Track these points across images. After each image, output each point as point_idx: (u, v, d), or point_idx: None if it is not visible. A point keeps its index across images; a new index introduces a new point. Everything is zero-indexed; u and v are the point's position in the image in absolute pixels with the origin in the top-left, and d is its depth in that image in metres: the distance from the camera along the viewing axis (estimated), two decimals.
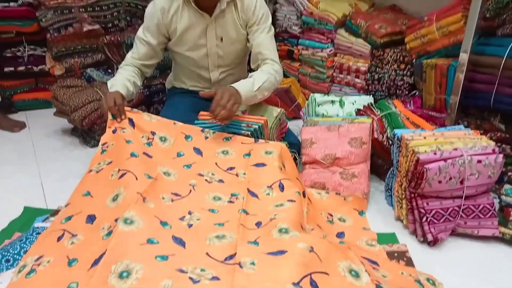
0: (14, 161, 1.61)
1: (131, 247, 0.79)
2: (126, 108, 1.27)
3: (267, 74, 1.37)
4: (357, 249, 0.99)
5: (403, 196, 1.20)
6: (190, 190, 1.08)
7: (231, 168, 1.20)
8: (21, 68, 2.13)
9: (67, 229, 0.91)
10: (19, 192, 1.38)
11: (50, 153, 1.69)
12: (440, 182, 1.09)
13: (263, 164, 1.17)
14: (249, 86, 1.31)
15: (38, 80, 2.24)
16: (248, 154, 1.22)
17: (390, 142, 1.37)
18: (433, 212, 1.12)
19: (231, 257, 0.79)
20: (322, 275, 0.73)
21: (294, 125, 1.77)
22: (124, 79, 1.38)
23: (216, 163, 1.21)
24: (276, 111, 1.50)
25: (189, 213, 0.99)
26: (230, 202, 1.08)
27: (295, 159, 1.38)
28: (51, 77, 2.22)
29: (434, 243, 1.12)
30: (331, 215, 1.22)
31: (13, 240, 1.05)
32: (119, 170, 1.04)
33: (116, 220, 0.87)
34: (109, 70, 2.24)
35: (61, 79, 2.14)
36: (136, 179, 1.01)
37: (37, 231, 1.03)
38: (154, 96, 2.08)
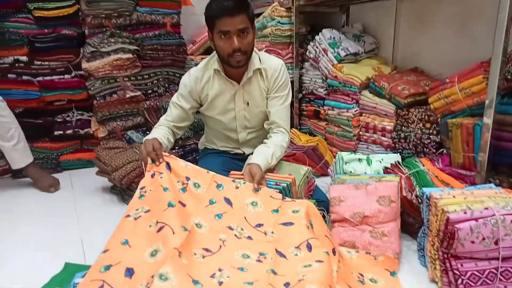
0: (56, 217, 1.72)
1: None
2: (164, 153, 1.37)
3: (281, 148, 1.54)
4: None
5: (436, 256, 1.17)
6: (220, 246, 1.13)
7: (260, 225, 1.23)
8: (69, 131, 2.34)
9: (106, 281, 0.94)
10: (60, 248, 1.46)
11: (90, 210, 1.79)
12: (473, 242, 1.07)
13: (290, 223, 1.20)
14: (268, 160, 1.46)
15: (83, 142, 2.44)
16: (276, 211, 1.26)
17: (420, 201, 1.37)
18: (469, 274, 1.09)
19: None
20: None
21: (322, 182, 1.81)
22: (159, 135, 1.52)
23: (245, 218, 1.25)
24: (303, 169, 1.56)
25: (219, 270, 1.03)
26: (259, 261, 1.10)
27: (323, 217, 1.40)
28: (94, 139, 2.41)
29: None
30: (362, 275, 1.21)
31: None
32: (157, 222, 1.11)
33: (152, 276, 0.92)
34: (147, 132, 2.40)
35: (104, 141, 2.33)
36: (173, 233, 1.07)
37: (75, 287, 1.08)
38: (188, 155, 2.20)
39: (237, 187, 1.33)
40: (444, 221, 1.11)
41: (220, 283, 0.98)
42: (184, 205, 1.22)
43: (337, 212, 1.39)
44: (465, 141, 1.51)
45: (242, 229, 1.21)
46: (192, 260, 1.04)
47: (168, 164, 1.34)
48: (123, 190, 1.87)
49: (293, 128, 2.43)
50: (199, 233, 1.16)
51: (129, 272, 0.97)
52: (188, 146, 2.23)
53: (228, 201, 1.29)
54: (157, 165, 1.32)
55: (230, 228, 1.21)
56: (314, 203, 1.32)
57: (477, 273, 1.08)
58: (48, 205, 1.86)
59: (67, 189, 2.07)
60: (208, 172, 1.38)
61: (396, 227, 1.33)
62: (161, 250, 1.02)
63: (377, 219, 1.33)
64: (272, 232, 1.20)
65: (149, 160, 1.34)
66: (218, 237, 1.16)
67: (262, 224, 1.24)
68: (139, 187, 1.27)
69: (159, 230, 1.08)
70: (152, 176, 1.29)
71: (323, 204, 1.45)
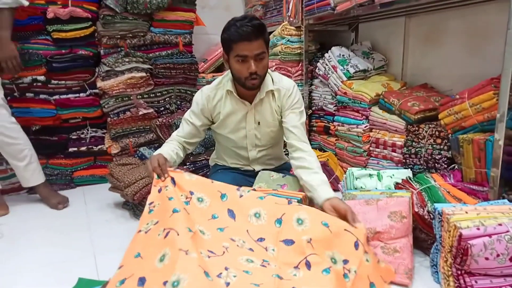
0: (70, 232, 1.74)
1: None
2: (169, 168, 1.40)
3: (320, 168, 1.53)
4: None
5: (450, 272, 1.16)
6: (224, 252, 1.16)
7: (261, 239, 1.24)
8: (83, 148, 2.39)
9: None
10: (73, 263, 1.47)
11: (103, 225, 1.81)
12: (487, 259, 1.06)
13: (291, 242, 1.20)
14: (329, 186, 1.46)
15: (96, 158, 2.48)
16: (280, 221, 1.25)
17: (432, 216, 1.36)
18: None
19: None
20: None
21: None
22: (168, 149, 1.55)
23: (247, 231, 1.26)
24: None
25: (226, 268, 1.06)
26: (263, 266, 1.13)
27: None
28: (108, 155, 2.46)
29: None
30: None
31: None
32: (164, 229, 1.13)
33: (164, 284, 0.94)
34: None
35: (117, 157, 2.37)
36: (178, 234, 1.09)
37: None
38: (199, 171, 2.23)
39: (241, 196, 1.35)
40: (457, 237, 1.10)
41: (228, 284, 1.00)
42: (188, 213, 1.25)
43: None
44: (477, 157, 1.50)
45: (243, 242, 1.23)
46: (200, 256, 1.05)
47: (173, 179, 1.37)
48: (135, 205, 1.90)
49: None
50: (202, 238, 1.19)
51: (141, 281, 1.00)
52: (199, 162, 2.26)
53: (231, 213, 1.31)
54: (162, 180, 1.36)
55: (232, 239, 1.23)
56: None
57: None
58: (61, 221, 1.89)
59: (80, 205, 2.10)
60: (212, 182, 1.41)
61: (408, 242, 1.32)
62: (168, 253, 1.04)
63: (388, 234, 1.32)
64: (273, 250, 1.21)
65: (155, 175, 1.37)
66: (221, 244, 1.19)
67: (264, 239, 1.24)
68: (147, 202, 1.30)
69: (166, 236, 1.10)
70: (159, 191, 1.33)
71: None
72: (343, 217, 1.26)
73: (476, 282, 1.08)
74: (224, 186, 1.39)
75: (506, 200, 1.26)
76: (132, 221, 1.85)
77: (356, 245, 1.16)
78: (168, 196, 1.28)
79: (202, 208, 1.32)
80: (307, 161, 1.50)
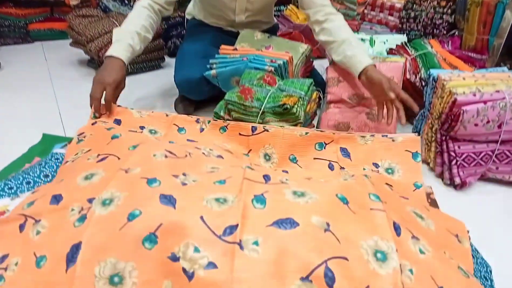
0: (32, 90, 1.59)
1: (112, 238, 0.60)
2: (114, 106, 1.12)
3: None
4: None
5: (433, 138, 1.14)
6: (186, 155, 0.86)
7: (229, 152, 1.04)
8: None
9: (28, 214, 0.71)
10: (37, 120, 1.37)
11: (67, 83, 1.66)
12: (476, 125, 1.02)
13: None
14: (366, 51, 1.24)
15: (53, 10, 2.17)
16: (247, 155, 1.04)
17: (423, 84, 1.28)
18: (464, 155, 1.06)
19: (231, 230, 0.59)
20: (340, 260, 0.56)
21: (318, 65, 1.68)
22: (133, 33, 1.22)
23: (214, 143, 1.06)
24: (302, 47, 1.42)
25: (184, 174, 0.76)
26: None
27: (319, 98, 1.32)
28: (66, 7, 2.15)
29: (461, 186, 1.07)
30: (377, 166, 1.02)
31: (33, 164, 1.05)
32: (98, 155, 0.85)
33: (89, 201, 0.67)
34: (126, 1, 2.14)
35: (77, 9, 2.06)
36: (119, 158, 0.82)
37: (56, 157, 1.02)
38: (173, 29, 1.99)
39: (202, 129, 1.10)
40: (450, 103, 1.04)
41: (184, 184, 0.71)
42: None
43: (334, 92, 1.30)
44: (483, 22, 1.36)
45: (210, 149, 0.99)
46: (148, 162, 0.77)
47: (118, 120, 1.10)
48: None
49: (290, 4, 2.19)
50: (157, 140, 0.95)
51: (56, 198, 0.73)
52: (172, 19, 2.01)
53: (191, 141, 1.07)
54: (99, 116, 1.08)
55: (197, 147, 0.99)
56: (311, 83, 1.21)
57: (473, 155, 1.06)
58: (21, 77, 1.71)
59: (41, 61, 1.90)
60: (167, 115, 1.15)
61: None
62: (101, 174, 0.77)
63: None
64: (248, 155, 1.04)
65: (92, 112, 1.09)
66: (183, 148, 0.90)
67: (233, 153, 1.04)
68: (76, 133, 1.04)
69: (100, 161, 0.83)
70: (94, 124, 1.07)
71: (320, 86, 1.35)
72: (380, 90, 1.10)
73: (459, 147, 1.06)
74: (181, 118, 1.14)
75: (505, 68, 1.18)
76: None
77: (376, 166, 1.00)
78: (107, 127, 1.02)
79: (155, 138, 1.07)
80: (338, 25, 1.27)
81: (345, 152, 1.05)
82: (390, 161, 1.01)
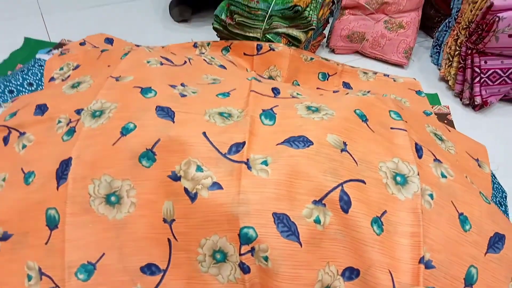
0: None
1: (105, 154, 0.54)
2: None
3: None
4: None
5: (456, 52, 1.03)
6: (185, 61, 0.78)
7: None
8: None
9: (11, 126, 0.64)
10: (19, 24, 1.22)
11: None
12: (510, 36, 0.90)
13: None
14: None
15: None
16: (256, 78, 0.83)
17: None
18: (490, 72, 0.97)
19: (238, 147, 0.53)
20: (357, 183, 0.52)
21: None
22: None
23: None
24: None
25: (182, 84, 0.68)
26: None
27: (333, 2, 1.17)
28: None
29: (481, 106, 1.00)
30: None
31: (15, 71, 0.95)
32: (91, 76, 0.72)
33: (78, 112, 0.60)
34: None
35: None
36: (109, 66, 0.72)
37: (39, 63, 0.93)
38: None
39: (202, 54, 0.93)
40: (484, 8, 0.91)
41: (183, 95, 0.64)
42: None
43: None
44: None
45: (212, 58, 0.90)
46: (141, 70, 0.69)
47: (110, 39, 0.98)
48: None
49: None
50: (151, 51, 0.80)
51: (41, 109, 0.66)
52: None
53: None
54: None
55: (198, 55, 0.89)
56: None
57: (499, 71, 0.97)
58: None
59: None
60: (163, 47, 1.00)
61: (417, 17, 1.13)
62: (88, 81, 0.69)
63: (397, 6, 1.11)
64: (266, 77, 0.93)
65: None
66: (182, 54, 0.83)
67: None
68: (59, 48, 0.90)
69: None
70: (82, 44, 0.93)
71: None
72: None
73: (485, 62, 0.96)
74: (178, 47, 1.01)
75: None
76: None
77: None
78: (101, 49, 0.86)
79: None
80: None
81: (347, 87, 1.00)
82: (395, 95, 0.97)
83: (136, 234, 0.51)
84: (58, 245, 0.51)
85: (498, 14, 0.88)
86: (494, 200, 0.72)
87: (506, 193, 0.76)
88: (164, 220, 0.51)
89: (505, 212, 0.72)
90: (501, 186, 0.77)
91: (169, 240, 0.51)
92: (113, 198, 0.52)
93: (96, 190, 0.52)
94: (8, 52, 1.06)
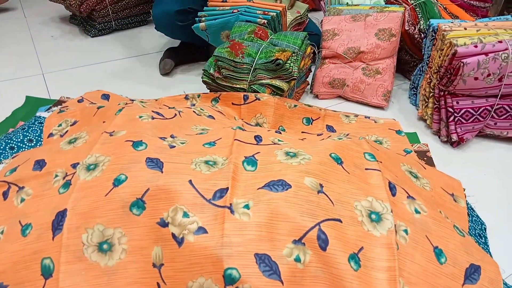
0: (12, 50, 1.51)
1: (99, 204, 0.58)
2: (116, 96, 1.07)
3: None
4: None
5: (431, 94, 1.10)
6: (175, 114, 0.83)
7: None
8: None
9: (11, 181, 0.68)
10: (20, 82, 1.30)
11: (49, 42, 1.57)
12: (476, 79, 0.98)
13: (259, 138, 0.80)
14: None
15: None
16: (241, 128, 0.87)
17: (423, 35, 1.22)
18: (463, 111, 1.03)
19: (221, 193, 0.57)
20: (334, 222, 0.55)
21: (313, 18, 1.60)
22: None
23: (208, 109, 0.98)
24: (302, 7, 1.34)
25: (172, 136, 0.73)
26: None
27: (314, 53, 1.26)
28: None
29: (458, 143, 1.05)
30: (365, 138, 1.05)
31: (16, 129, 1.01)
32: (87, 132, 0.76)
33: (73, 166, 0.64)
34: None
35: None
36: (104, 122, 0.77)
37: (39, 121, 0.98)
38: None
39: (193, 105, 1.02)
40: (450, 55, 0.99)
41: (172, 146, 0.68)
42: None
43: (329, 47, 1.24)
44: None
45: (201, 109, 0.95)
46: (133, 125, 0.73)
47: (106, 95, 1.05)
48: (84, 19, 1.62)
49: None
50: (144, 106, 0.86)
51: (39, 164, 0.69)
52: None
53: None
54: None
55: (188, 107, 0.95)
56: (306, 36, 1.15)
57: (471, 110, 1.03)
58: (1, 36, 1.62)
59: (19, 18, 1.78)
60: (156, 100, 1.09)
61: (392, 64, 1.22)
62: (84, 137, 0.73)
63: (373, 55, 1.20)
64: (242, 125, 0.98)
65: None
66: (172, 110, 0.86)
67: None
68: (58, 106, 0.97)
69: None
70: (80, 101, 1.01)
71: (315, 38, 1.29)
72: None
73: (457, 102, 1.03)
74: (171, 99, 1.09)
75: (509, 16, 1.11)
76: (82, 37, 1.61)
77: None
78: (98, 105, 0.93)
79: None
80: None
81: (331, 130, 1.05)
82: (377, 135, 1.03)
83: (127, 279, 0.54)
84: None
85: (463, 60, 0.96)
86: (474, 232, 0.75)
87: (485, 225, 0.79)
88: (154, 265, 0.54)
89: (485, 244, 0.75)
90: (480, 218, 0.80)
91: (158, 284, 0.53)
92: (105, 246, 0.55)
93: (89, 239, 0.55)
94: (11, 110, 1.13)
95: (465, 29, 1.03)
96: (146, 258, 0.54)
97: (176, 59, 1.39)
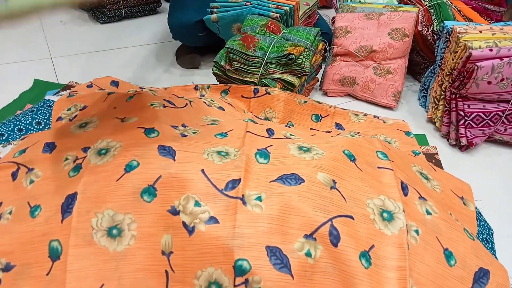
0: (21, 33, 1.50)
1: (109, 189, 0.57)
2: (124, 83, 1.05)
3: None
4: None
5: (441, 96, 1.09)
6: (186, 104, 0.83)
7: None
8: None
9: (20, 162, 0.68)
10: (29, 66, 1.30)
11: (58, 27, 1.56)
12: (489, 83, 0.97)
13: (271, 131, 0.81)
14: None
15: None
16: (252, 120, 0.89)
17: (436, 37, 1.21)
18: (473, 115, 1.03)
19: (234, 184, 0.57)
20: (346, 219, 0.54)
21: (323, 15, 1.59)
22: None
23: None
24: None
25: (183, 125, 0.73)
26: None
27: (325, 50, 1.25)
28: None
29: (467, 147, 1.05)
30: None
31: (24, 111, 1.00)
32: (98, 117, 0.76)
33: (84, 150, 0.64)
34: None
35: None
36: (115, 108, 0.77)
37: (48, 104, 0.98)
38: None
39: (202, 95, 1.00)
40: (464, 58, 0.98)
41: (184, 135, 0.68)
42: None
43: (341, 44, 1.23)
44: None
45: (212, 100, 0.95)
46: (145, 112, 0.73)
47: (115, 82, 1.03)
48: (94, 6, 1.61)
49: None
50: (154, 94, 0.86)
51: (49, 146, 0.69)
52: None
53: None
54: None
55: (198, 98, 0.95)
56: (318, 32, 1.14)
57: (482, 115, 1.03)
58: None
59: None
60: (166, 88, 1.06)
61: (404, 64, 1.21)
62: (95, 122, 0.73)
63: (385, 54, 1.19)
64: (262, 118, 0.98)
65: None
66: (183, 99, 0.86)
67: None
68: (68, 90, 0.95)
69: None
70: (89, 87, 1.00)
71: (325, 36, 1.28)
72: None
73: (468, 106, 1.03)
74: (180, 89, 1.07)
75: None
76: (91, 23, 1.60)
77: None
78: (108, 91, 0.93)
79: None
80: None
81: (340, 128, 1.05)
82: (385, 135, 1.02)
83: (135, 265, 0.53)
84: (59, 276, 0.53)
85: (477, 63, 0.95)
86: (481, 237, 0.74)
87: (492, 230, 0.79)
88: (163, 253, 0.54)
89: (492, 249, 0.75)
90: (487, 223, 0.80)
91: (166, 271, 0.53)
92: (114, 231, 0.55)
93: (99, 223, 0.55)
94: (18, 92, 1.12)
95: (480, 32, 1.02)
96: (155, 245, 0.54)
97: (199, 52, 1.37)
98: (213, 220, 0.53)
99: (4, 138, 0.84)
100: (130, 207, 0.56)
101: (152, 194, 0.56)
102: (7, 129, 0.86)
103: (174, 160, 0.60)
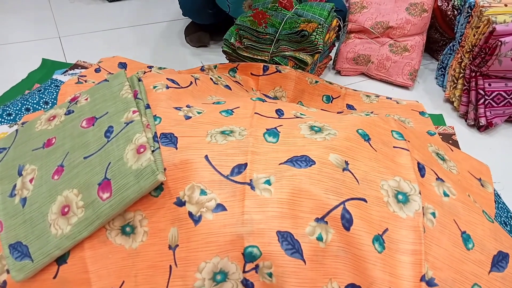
0: (30, 13, 1.48)
1: None
2: (132, 62, 1.02)
3: None
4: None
5: (460, 75, 1.05)
6: (191, 82, 0.79)
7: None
8: None
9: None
10: (37, 45, 1.28)
11: (66, 6, 1.54)
12: None
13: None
14: None
15: None
16: (261, 99, 0.82)
17: (456, 12, 1.15)
18: (494, 94, 0.98)
19: (239, 169, 0.54)
20: (359, 202, 0.52)
21: None
22: None
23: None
24: None
25: (188, 106, 0.69)
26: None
27: (339, 27, 1.20)
28: None
29: (486, 128, 1.01)
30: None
31: (32, 90, 1.00)
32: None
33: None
34: None
35: None
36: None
37: (55, 83, 0.97)
38: None
39: (211, 79, 0.93)
40: (486, 33, 0.93)
41: (188, 117, 0.65)
42: None
43: (356, 20, 1.18)
44: None
45: (219, 77, 0.91)
46: (148, 95, 0.70)
47: (123, 63, 0.99)
48: None
49: None
50: (159, 73, 0.84)
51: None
52: None
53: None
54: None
55: (206, 74, 0.91)
56: (332, 8, 1.09)
57: (503, 93, 0.98)
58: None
59: None
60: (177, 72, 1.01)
61: (422, 41, 1.16)
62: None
63: (402, 30, 1.14)
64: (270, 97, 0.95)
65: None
66: (188, 77, 0.82)
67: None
68: (77, 75, 0.93)
69: None
70: (97, 71, 0.96)
71: (340, 13, 1.22)
72: None
73: (489, 84, 0.98)
74: (185, 72, 1.02)
75: None
76: (100, 1, 1.57)
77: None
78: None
79: None
80: None
81: (351, 108, 1.02)
82: (399, 115, 0.98)
83: (147, 262, 0.52)
84: (72, 277, 0.52)
85: (501, 39, 0.90)
86: (499, 219, 0.72)
87: (511, 212, 0.76)
88: (169, 247, 0.52)
89: (510, 232, 0.72)
90: (506, 205, 0.77)
91: (170, 266, 0.52)
92: (127, 229, 0.54)
93: (111, 223, 0.54)
94: (27, 72, 1.11)
95: (506, 5, 0.96)
96: (163, 240, 0.53)
97: (208, 30, 1.33)
98: (220, 207, 0.51)
99: (12, 117, 0.83)
100: (139, 203, 0.54)
101: (159, 188, 0.54)
102: (15, 108, 0.85)
103: (177, 149, 0.57)
